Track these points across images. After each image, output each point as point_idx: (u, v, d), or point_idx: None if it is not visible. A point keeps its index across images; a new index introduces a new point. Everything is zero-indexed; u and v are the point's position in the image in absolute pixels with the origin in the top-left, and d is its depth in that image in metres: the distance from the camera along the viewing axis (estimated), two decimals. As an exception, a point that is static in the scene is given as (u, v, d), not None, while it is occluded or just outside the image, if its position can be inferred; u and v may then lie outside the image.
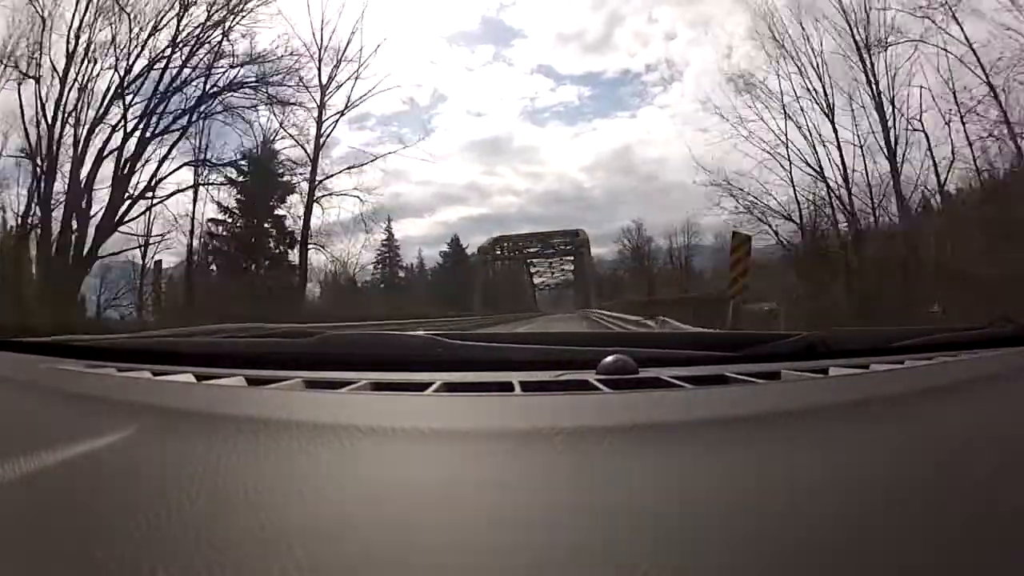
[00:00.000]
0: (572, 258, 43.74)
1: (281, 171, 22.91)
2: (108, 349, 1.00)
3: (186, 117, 18.40)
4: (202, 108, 18.73)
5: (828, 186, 16.65)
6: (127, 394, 0.70)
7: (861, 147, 16.12)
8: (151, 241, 18.83)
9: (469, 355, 0.90)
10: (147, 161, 17.90)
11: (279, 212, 22.92)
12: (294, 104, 20.63)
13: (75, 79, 16.33)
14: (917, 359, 0.88)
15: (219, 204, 22.37)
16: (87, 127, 16.49)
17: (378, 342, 0.98)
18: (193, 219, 20.98)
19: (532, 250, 43.63)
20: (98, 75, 16.72)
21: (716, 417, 0.57)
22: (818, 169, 16.79)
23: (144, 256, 19.66)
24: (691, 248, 33.89)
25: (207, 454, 0.46)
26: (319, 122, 22.15)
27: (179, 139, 18.52)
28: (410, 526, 0.35)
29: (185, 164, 19.31)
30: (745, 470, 0.44)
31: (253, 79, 19.67)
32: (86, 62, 16.46)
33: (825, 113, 16.77)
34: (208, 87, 18.64)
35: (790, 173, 17.17)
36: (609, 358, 0.77)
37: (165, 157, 18.20)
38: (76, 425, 0.57)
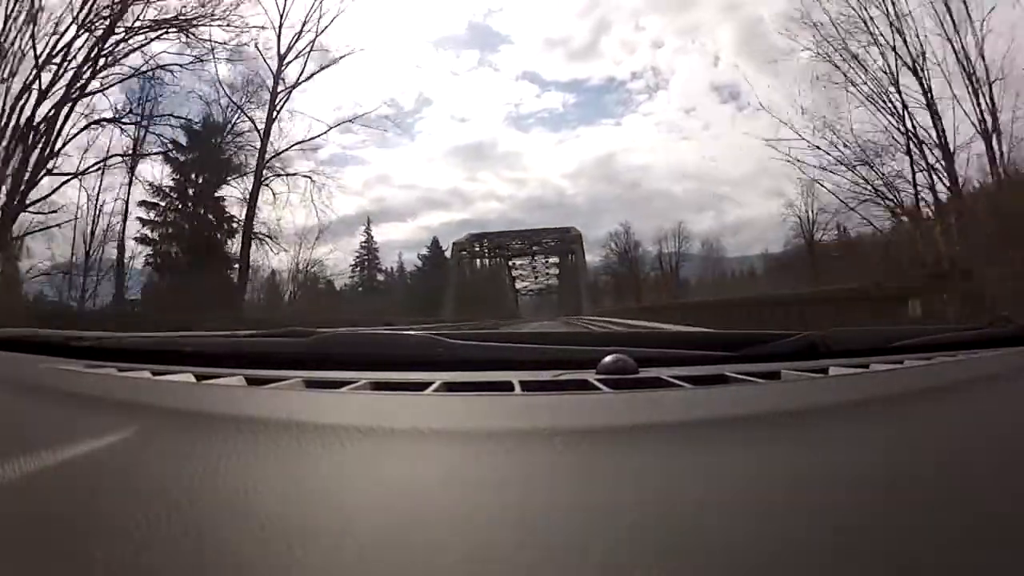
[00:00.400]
0: (558, 259, 40.11)
1: (227, 148, 20.06)
2: (108, 349, 1.01)
3: (93, 67, 16.28)
4: (110, 47, 16.33)
5: (921, 147, 14.84)
6: (127, 394, 0.70)
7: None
8: (54, 223, 16.61)
9: (468, 355, 0.90)
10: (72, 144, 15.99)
11: (220, 194, 20.01)
12: (226, 40, 18.29)
13: (11, 43, 15.05)
14: (917, 359, 0.88)
15: (151, 185, 19.60)
16: (14, 97, 15.08)
17: (378, 342, 0.98)
18: (127, 202, 18.55)
19: (516, 246, 39.86)
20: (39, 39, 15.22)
21: (716, 417, 0.57)
22: (912, 131, 15.05)
23: (90, 245, 17.77)
24: (680, 255, 33.53)
25: (207, 454, 0.46)
26: (273, 94, 20.06)
27: (84, 86, 16.37)
28: (410, 526, 0.35)
29: (95, 122, 17.01)
30: (745, 470, 0.44)
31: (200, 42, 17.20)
32: (27, 23, 15.13)
33: (909, 66, 15.25)
34: (115, 27, 16.34)
35: (902, 121, 15.16)
36: (609, 358, 0.77)
37: (69, 113, 16.32)
38: (76, 425, 0.57)
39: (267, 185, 20.61)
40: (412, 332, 1.04)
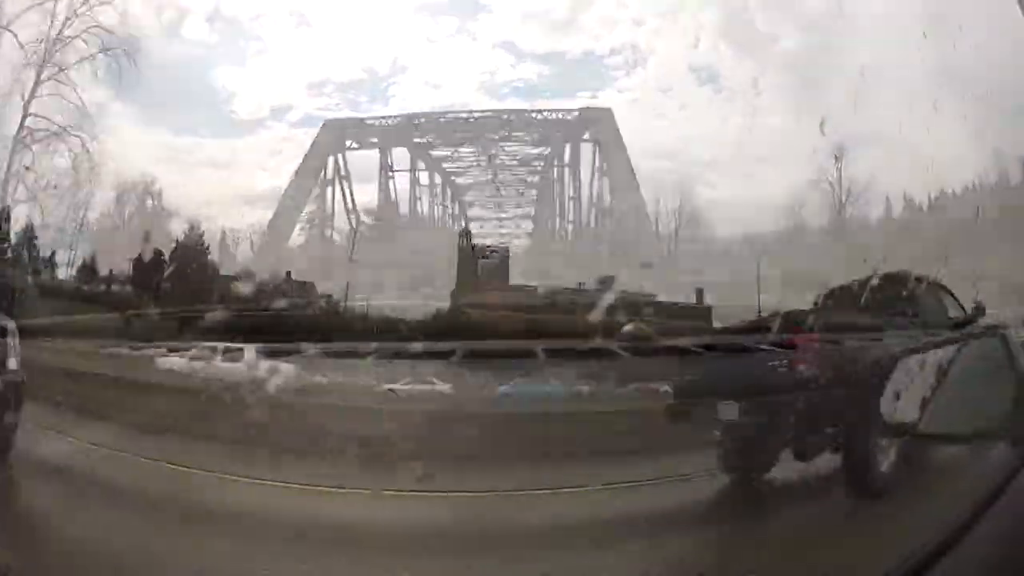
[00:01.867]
0: (564, 167, 14.44)
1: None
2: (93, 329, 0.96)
3: None
4: None
5: None
6: (124, 371, 0.67)
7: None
8: None
9: (492, 324, 0.88)
10: None
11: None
12: None
13: None
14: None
15: None
16: None
17: (398, 310, 0.97)
18: None
19: (457, 135, 14.54)
20: None
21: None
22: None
23: None
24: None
25: (199, 450, 0.44)
26: None
27: None
28: (428, 507, 0.34)
29: None
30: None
31: None
32: None
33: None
34: None
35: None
36: (629, 326, 0.77)
37: None
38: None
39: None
40: (434, 303, 1.03)
